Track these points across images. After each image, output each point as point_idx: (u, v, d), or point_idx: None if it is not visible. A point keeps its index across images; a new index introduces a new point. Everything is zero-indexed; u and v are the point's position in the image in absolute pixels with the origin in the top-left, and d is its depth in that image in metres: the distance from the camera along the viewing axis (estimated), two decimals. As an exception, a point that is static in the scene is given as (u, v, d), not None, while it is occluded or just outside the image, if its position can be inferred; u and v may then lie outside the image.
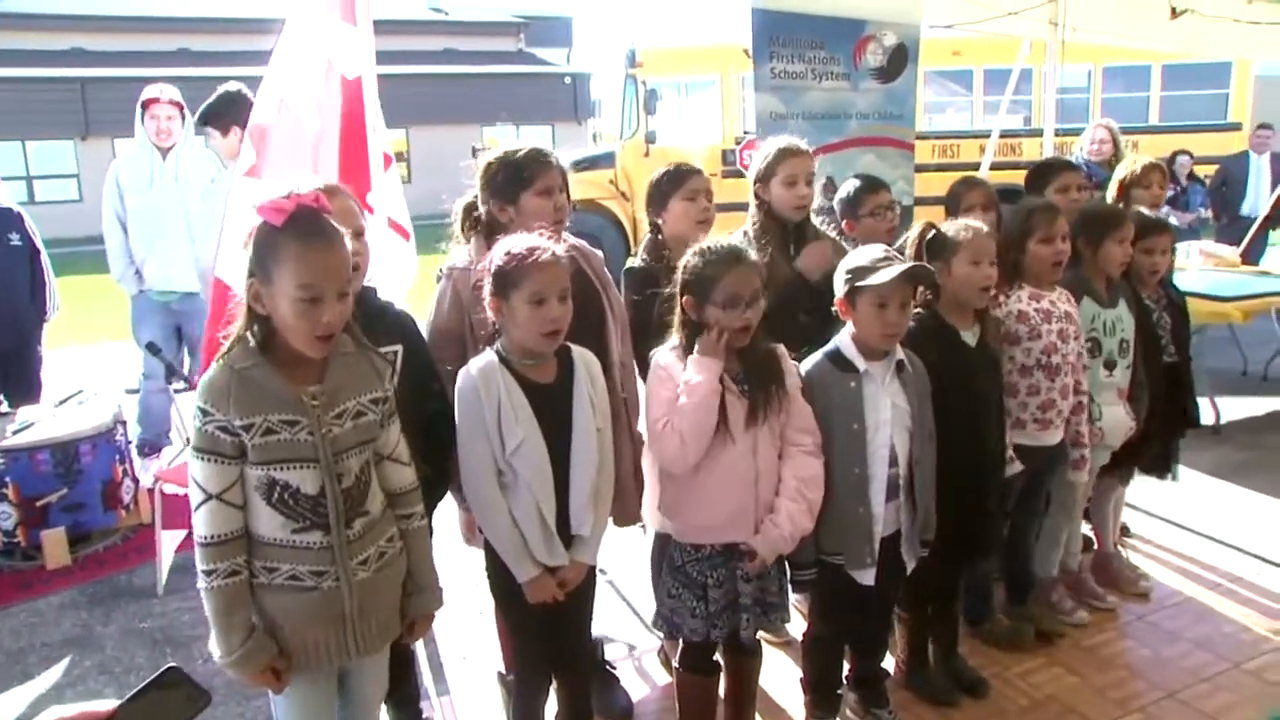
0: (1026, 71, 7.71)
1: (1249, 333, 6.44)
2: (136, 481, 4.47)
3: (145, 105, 4.76)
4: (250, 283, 1.75)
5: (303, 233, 1.72)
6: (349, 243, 2.08)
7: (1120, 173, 3.93)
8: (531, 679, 2.45)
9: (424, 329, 2.47)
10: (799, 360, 2.48)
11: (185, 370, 4.72)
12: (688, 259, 2.32)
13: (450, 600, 2.18)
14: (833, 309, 2.52)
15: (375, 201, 2.77)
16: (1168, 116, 12.29)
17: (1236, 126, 11.98)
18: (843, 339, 2.50)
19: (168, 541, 3.81)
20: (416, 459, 2.05)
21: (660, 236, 2.99)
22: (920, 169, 5.23)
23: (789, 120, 4.40)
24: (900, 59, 4.80)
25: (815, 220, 3.17)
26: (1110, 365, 3.18)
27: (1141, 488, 3.81)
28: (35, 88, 21.87)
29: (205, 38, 24.08)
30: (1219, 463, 4.91)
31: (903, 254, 2.56)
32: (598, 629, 2.66)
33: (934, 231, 2.72)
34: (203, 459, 1.74)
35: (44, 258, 4.91)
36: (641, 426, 2.52)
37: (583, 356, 2.27)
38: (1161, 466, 3.58)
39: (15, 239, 4.74)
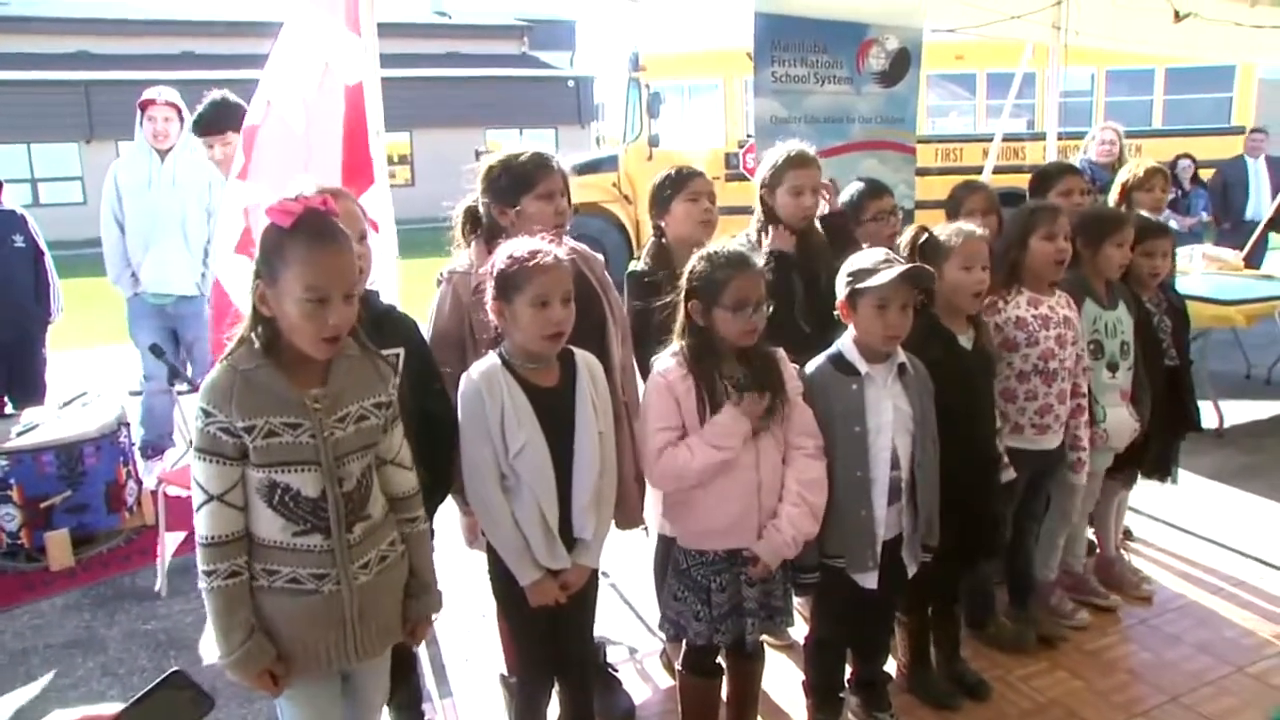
0: (1029, 75, 7.68)
1: (1252, 336, 6.43)
2: (140, 483, 4.48)
3: (143, 107, 4.75)
4: (256, 284, 1.75)
5: (310, 235, 1.73)
6: (355, 246, 2.10)
7: (1122, 176, 3.93)
8: (534, 682, 2.45)
9: (425, 332, 2.47)
10: (800, 365, 2.48)
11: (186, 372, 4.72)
12: (694, 264, 2.32)
13: (452, 603, 2.19)
14: (834, 313, 2.52)
15: (365, 203, 2.79)
16: (1171, 120, 12.26)
17: (1240, 130, 11.91)
18: (844, 342, 2.50)
19: (170, 544, 3.83)
20: (419, 463, 2.05)
21: (663, 240, 2.99)
22: (923, 173, 5.24)
23: (790, 124, 4.40)
24: (902, 63, 4.80)
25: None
26: (1113, 367, 3.18)
27: (1144, 491, 3.81)
28: (40, 90, 21.92)
29: (210, 41, 24.14)
30: (1222, 466, 4.90)
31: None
32: (600, 632, 2.66)
33: (926, 235, 2.72)
34: (204, 460, 1.74)
35: (48, 260, 4.92)
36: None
37: (585, 360, 2.27)
38: (1161, 469, 3.57)
39: (19, 241, 4.76)
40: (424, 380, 2.30)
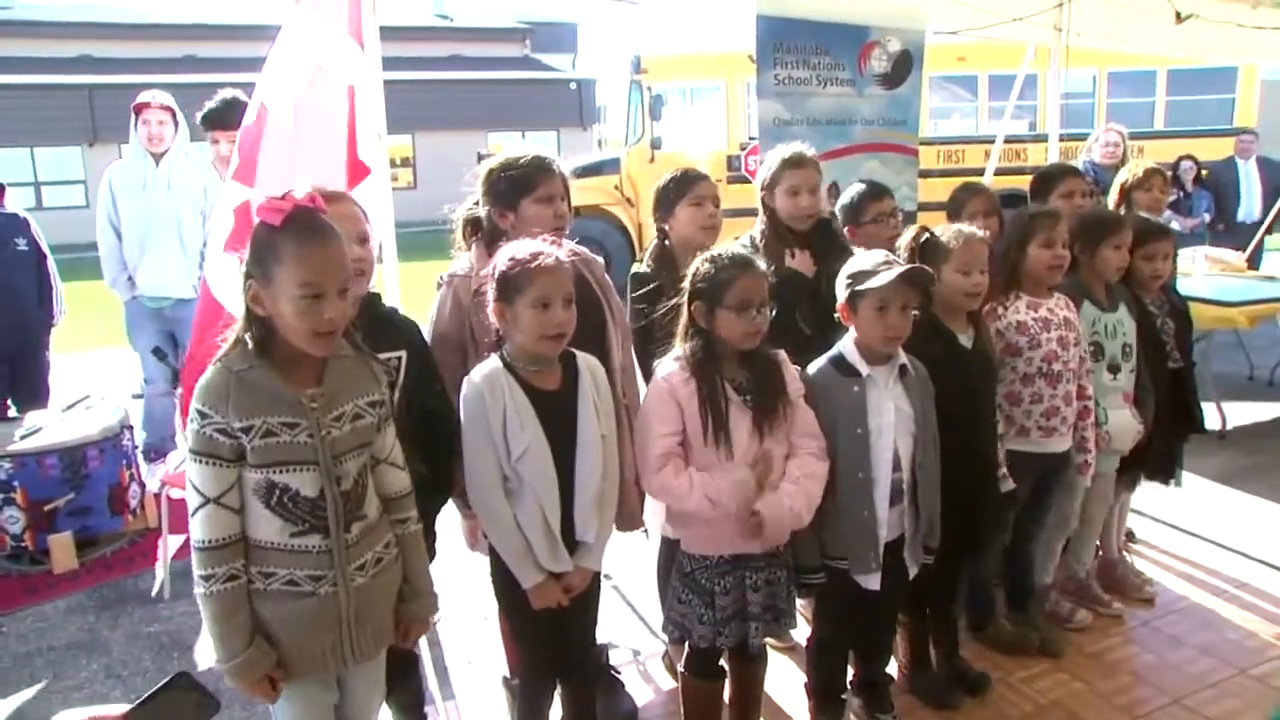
0: (1031, 77, 7.69)
1: (1255, 338, 6.43)
2: (143, 486, 4.49)
3: (137, 110, 4.76)
4: (249, 284, 1.75)
5: (301, 231, 1.73)
6: (355, 249, 2.10)
7: (1121, 176, 3.93)
8: (536, 684, 2.45)
9: (426, 335, 2.48)
10: (802, 367, 2.49)
11: (186, 376, 4.73)
12: (698, 265, 2.32)
13: (455, 605, 2.19)
14: (835, 314, 2.53)
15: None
16: (1173, 122, 12.25)
17: (1242, 132, 11.96)
18: (846, 344, 2.51)
19: (173, 546, 3.83)
20: (420, 462, 2.06)
21: (666, 242, 2.99)
22: (925, 174, 5.24)
23: (793, 126, 4.41)
24: (905, 65, 4.80)
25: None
26: (1114, 369, 3.18)
27: (1146, 493, 3.80)
28: (43, 94, 21.98)
29: (213, 45, 24.18)
30: (1224, 468, 4.90)
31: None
32: (602, 634, 2.66)
33: (927, 236, 2.73)
34: (200, 462, 1.73)
35: (50, 263, 4.93)
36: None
37: (587, 363, 2.27)
38: (1165, 471, 3.57)
39: (22, 244, 4.76)
40: (425, 382, 2.30)
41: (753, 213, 3.20)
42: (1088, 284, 3.17)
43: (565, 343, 2.18)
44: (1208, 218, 8.61)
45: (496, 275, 2.15)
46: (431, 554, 2.32)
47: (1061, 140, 5.62)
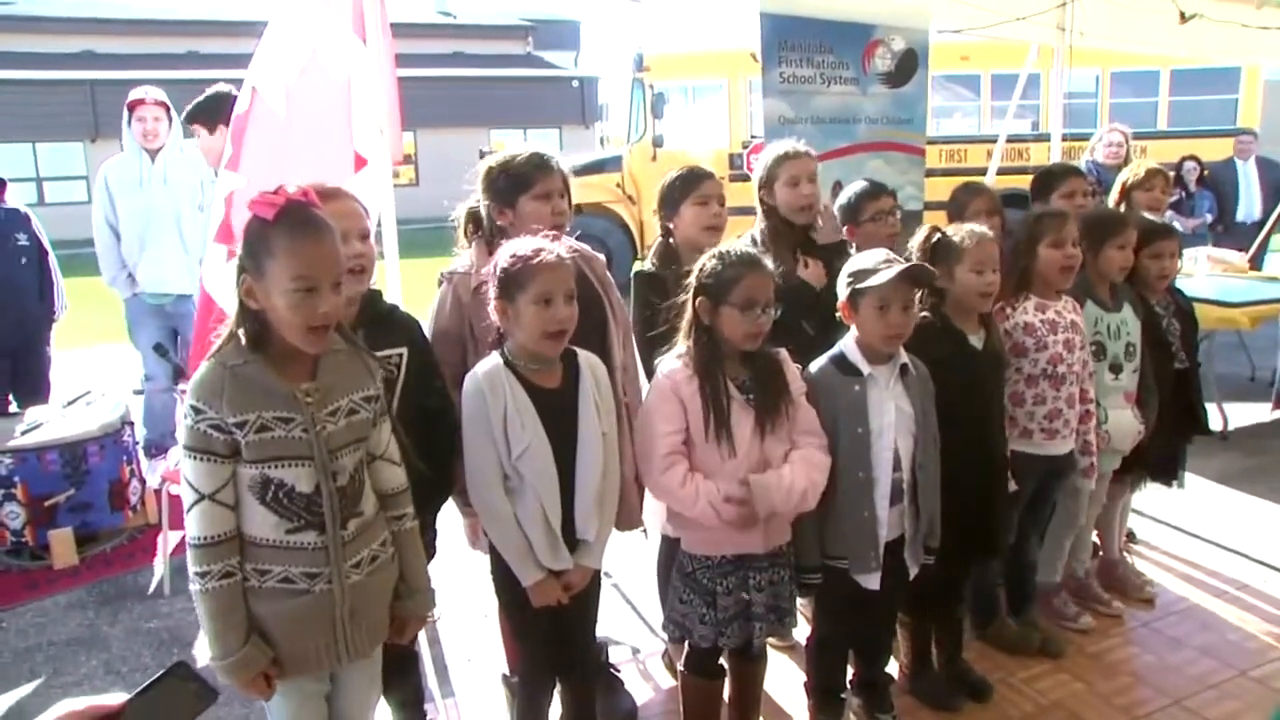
0: (1034, 76, 7.69)
1: (1257, 339, 6.41)
2: (143, 482, 4.49)
3: (131, 107, 4.76)
4: (242, 278, 1.74)
5: (294, 225, 1.72)
6: (355, 245, 2.10)
7: (1123, 176, 3.92)
8: (536, 682, 2.45)
9: (426, 332, 2.47)
10: (803, 366, 2.48)
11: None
12: (704, 263, 2.31)
13: (455, 603, 2.19)
14: (836, 314, 2.52)
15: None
16: (1176, 122, 12.24)
17: (1242, 132, 11.94)
18: (847, 343, 2.50)
19: (173, 541, 3.84)
20: (421, 458, 2.05)
21: (670, 240, 2.98)
22: (927, 173, 5.23)
23: (797, 124, 4.40)
24: (909, 64, 4.80)
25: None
26: (1116, 369, 3.17)
27: (1147, 494, 3.79)
28: (45, 90, 21.97)
29: (214, 40, 24.15)
30: (1225, 469, 4.89)
31: (909, 259, 2.56)
32: (602, 632, 2.66)
33: (939, 236, 2.72)
34: (195, 458, 1.72)
35: (52, 258, 4.93)
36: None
37: (588, 361, 2.27)
38: (1169, 473, 3.57)
39: (23, 239, 4.76)
40: (426, 380, 2.30)
41: (753, 211, 3.20)
42: (1091, 284, 3.17)
43: (566, 340, 2.18)
44: (1210, 218, 8.59)
45: (498, 272, 2.14)
46: (432, 552, 2.32)
47: (1064, 140, 5.61)
